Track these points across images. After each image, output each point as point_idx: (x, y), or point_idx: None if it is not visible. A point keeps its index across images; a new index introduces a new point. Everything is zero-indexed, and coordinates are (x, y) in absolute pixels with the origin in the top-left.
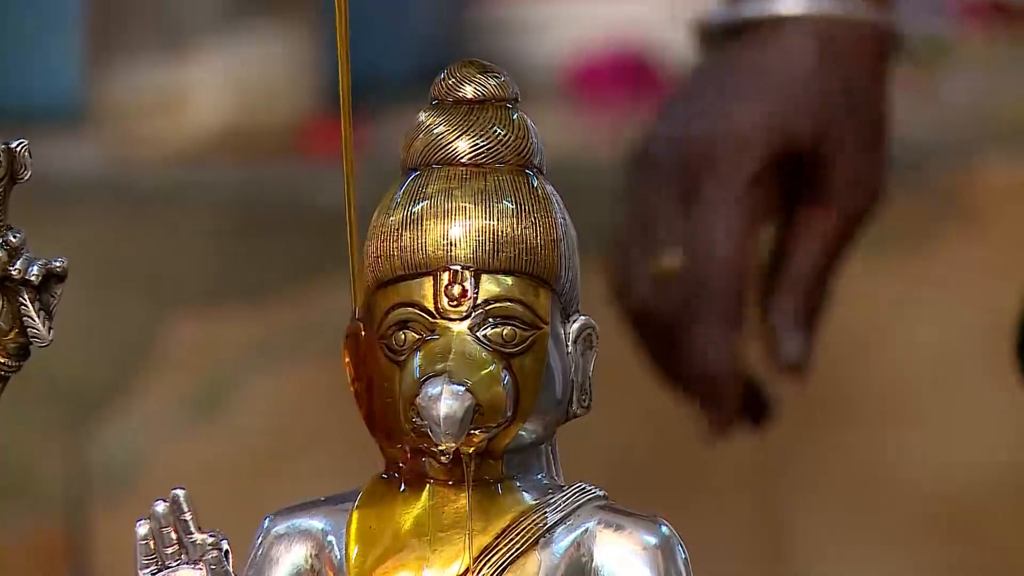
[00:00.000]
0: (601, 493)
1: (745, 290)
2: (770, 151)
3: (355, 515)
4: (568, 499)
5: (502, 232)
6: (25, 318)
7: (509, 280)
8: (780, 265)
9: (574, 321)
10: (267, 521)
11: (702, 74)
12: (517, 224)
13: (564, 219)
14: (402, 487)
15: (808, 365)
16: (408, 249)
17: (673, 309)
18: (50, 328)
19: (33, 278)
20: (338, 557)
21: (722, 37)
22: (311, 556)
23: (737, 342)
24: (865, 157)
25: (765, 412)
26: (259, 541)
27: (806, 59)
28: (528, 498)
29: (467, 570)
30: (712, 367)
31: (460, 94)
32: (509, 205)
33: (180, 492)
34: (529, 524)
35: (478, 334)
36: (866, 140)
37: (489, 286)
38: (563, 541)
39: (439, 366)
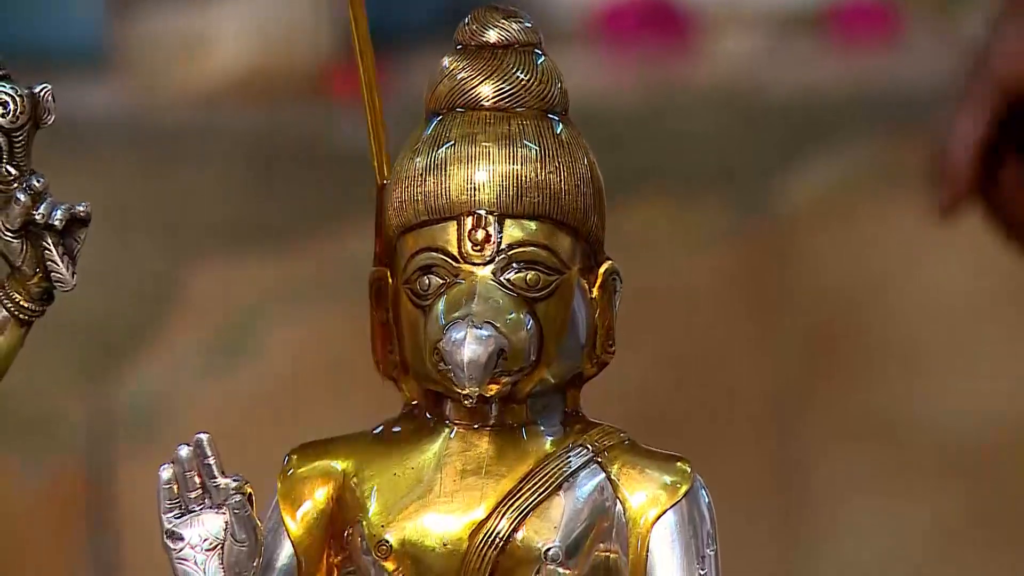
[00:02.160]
0: (624, 435)
1: (1016, 96)
2: None
3: (378, 457)
4: (592, 442)
5: (526, 177)
6: (49, 262)
7: (533, 225)
8: None
9: (598, 265)
10: (287, 460)
11: None
12: (541, 169)
13: (588, 163)
14: (426, 430)
15: None
16: (432, 194)
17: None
18: (73, 272)
19: (57, 222)
20: (359, 499)
21: None
22: (332, 497)
23: (985, 131)
24: None
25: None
26: (281, 478)
27: None
28: (551, 442)
29: (490, 514)
30: (952, 140)
31: (484, 39)
32: (533, 150)
33: (203, 436)
34: (552, 468)
35: (502, 279)
36: None
37: (513, 231)
38: (587, 485)
39: (463, 311)
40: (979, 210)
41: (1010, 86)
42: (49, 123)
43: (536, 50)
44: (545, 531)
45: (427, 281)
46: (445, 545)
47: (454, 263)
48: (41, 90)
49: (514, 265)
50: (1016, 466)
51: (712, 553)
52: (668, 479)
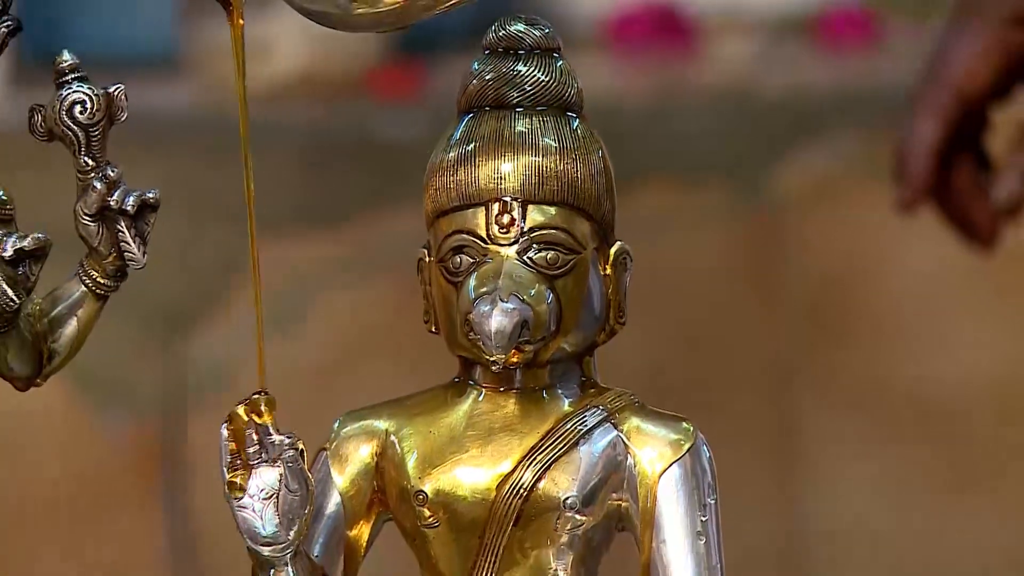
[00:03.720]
0: (635, 397)
1: (968, 104)
2: None
3: (416, 417)
4: (606, 403)
5: (546, 167)
6: (122, 244)
7: (552, 210)
8: None
9: (611, 246)
10: (338, 422)
11: None
12: (560, 160)
13: (601, 155)
14: (457, 393)
15: (1016, 215)
16: (463, 183)
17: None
18: (144, 252)
19: (129, 208)
20: (399, 455)
21: None
22: (376, 454)
23: (941, 135)
24: None
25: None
26: (330, 439)
27: None
28: (569, 403)
29: (515, 467)
30: (910, 143)
31: (509, 45)
32: (552, 143)
33: (260, 397)
34: (571, 426)
35: (525, 258)
36: None
37: (535, 215)
38: (601, 441)
39: (491, 286)
40: (934, 209)
41: (962, 93)
42: (122, 119)
43: (555, 54)
44: (564, 482)
45: (459, 260)
46: (475, 495)
47: (483, 244)
48: (115, 90)
49: (536, 246)
50: (983, 424)
51: (713, 502)
52: (673, 436)
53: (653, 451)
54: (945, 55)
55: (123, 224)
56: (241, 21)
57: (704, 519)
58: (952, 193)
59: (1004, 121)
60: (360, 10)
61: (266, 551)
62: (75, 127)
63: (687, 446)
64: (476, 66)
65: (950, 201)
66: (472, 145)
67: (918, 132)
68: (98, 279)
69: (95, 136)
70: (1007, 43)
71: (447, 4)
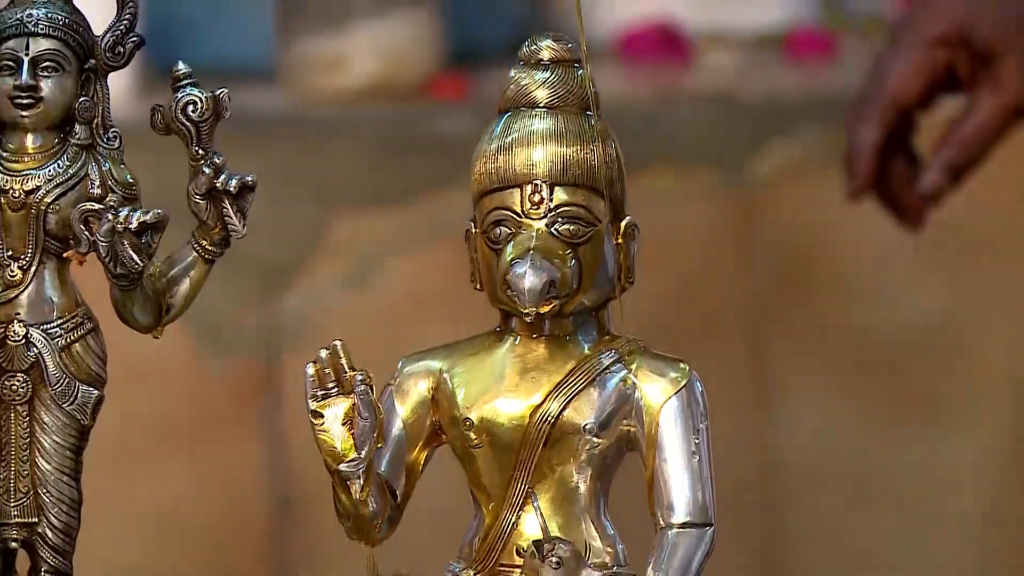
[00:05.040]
0: (641, 342)
1: (900, 111)
2: (956, 29)
3: (464, 359)
4: (618, 348)
5: (569, 156)
6: (226, 218)
7: (574, 191)
8: (954, 126)
9: (622, 220)
10: (401, 363)
11: None
12: (580, 150)
13: (614, 146)
14: (497, 339)
15: (938, 201)
16: (502, 169)
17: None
18: (244, 225)
19: (232, 188)
20: (451, 390)
21: None
22: (432, 389)
23: (879, 137)
24: None
25: (907, 215)
26: (394, 377)
27: None
28: (588, 347)
29: (544, 399)
30: (855, 143)
31: (539, 57)
32: (574, 136)
33: (338, 343)
34: (589, 366)
35: (552, 230)
36: None
37: (560, 195)
38: (614, 378)
39: (524, 252)
40: (875, 196)
41: (896, 103)
42: (227, 117)
43: (576, 64)
44: (584, 411)
45: (499, 231)
46: (512, 421)
47: (518, 218)
48: (220, 93)
49: (561, 220)
50: (920, 364)
51: (704, 427)
52: (672, 374)
53: (656, 386)
54: (882, 71)
55: (227, 202)
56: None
57: (697, 441)
58: (888, 183)
59: (929, 125)
60: None
61: (342, 467)
62: (188, 123)
63: (683, 382)
64: (513, 74)
65: (886, 190)
66: (509, 138)
67: (862, 136)
68: (206, 246)
69: (204, 130)
70: (933, 61)
71: None
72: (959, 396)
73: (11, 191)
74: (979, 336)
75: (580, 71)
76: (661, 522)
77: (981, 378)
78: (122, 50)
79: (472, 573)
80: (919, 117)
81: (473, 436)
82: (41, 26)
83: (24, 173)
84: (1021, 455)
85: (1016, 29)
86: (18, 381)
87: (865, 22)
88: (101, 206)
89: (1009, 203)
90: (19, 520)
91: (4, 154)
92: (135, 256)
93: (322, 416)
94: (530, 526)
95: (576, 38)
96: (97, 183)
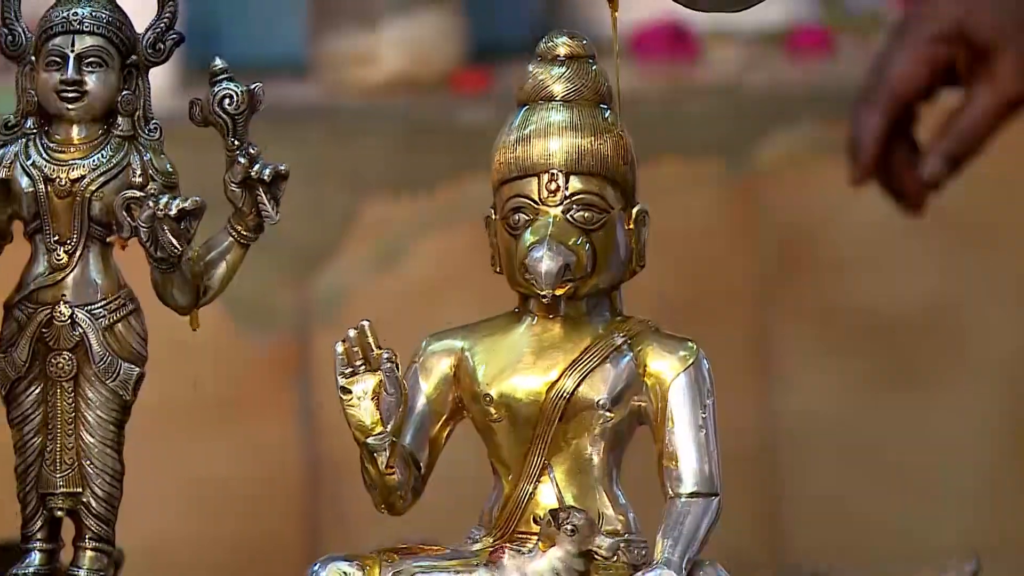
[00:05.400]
0: (652, 323)
1: (903, 102)
2: (957, 26)
3: (485, 338)
4: (629, 328)
5: (584, 146)
6: (260, 205)
7: (589, 179)
8: (953, 116)
9: (633, 207)
10: (425, 342)
11: None
12: (594, 141)
13: (626, 137)
14: (515, 319)
15: (937, 187)
16: (521, 158)
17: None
18: (277, 211)
19: (266, 177)
20: (472, 367)
21: None
22: (454, 366)
23: (883, 127)
24: None
25: (907, 199)
26: (419, 355)
27: None
28: (602, 327)
29: (560, 376)
30: (859, 132)
31: (556, 53)
32: (588, 128)
33: (366, 323)
34: (602, 345)
35: (568, 216)
36: None
37: (575, 183)
38: (626, 356)
39: (542, 237)
40: (877, 182)
41: (898, 94)
42: (261, 110)
43: (590, 60)
44: (598, 388)
45: (517, 218)
46: (529, 397)
47: (535, 205)
48: (255, 87)
49: (576, 207)
50: (913, 338)
51: (711, 403)
52: (681, 353)
53: (665, 364)
54: (886, 64)
55: (261, 190)
56: (616, 14)
57: (704, 416)
58: (890, 170)
59: (929, 115)
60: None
61: (369, 440)
62: (225, 116)
63: (691, 360)
64: (531, 69)
65: (888, 176)
66: (527, 130)
67: (866, 124)
68: (242, 232)
69: (240, 122)
70: (934, 56)
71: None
72: (953, 371)
73: (58, 180)
74: (973, 315)
75: (594, 66)
76: (670, 492)
77: (974, 355)
78: (162, 47)
79: (492, 540)
80: (920, 108)
81: (493, 411)
82: (86, 24)
83: (70, 163)
84: (1010, 426)
85: (1013, 27)
86: (64, 359)
87: (862, 20)
88: (142, 194)
89: (1005, 191)
90: (65, 490)
91: (51, 145)
92: (174, 241)
93: (351, 392)
94: (546, 496)
95: (590, 35)
96: (139, 172)
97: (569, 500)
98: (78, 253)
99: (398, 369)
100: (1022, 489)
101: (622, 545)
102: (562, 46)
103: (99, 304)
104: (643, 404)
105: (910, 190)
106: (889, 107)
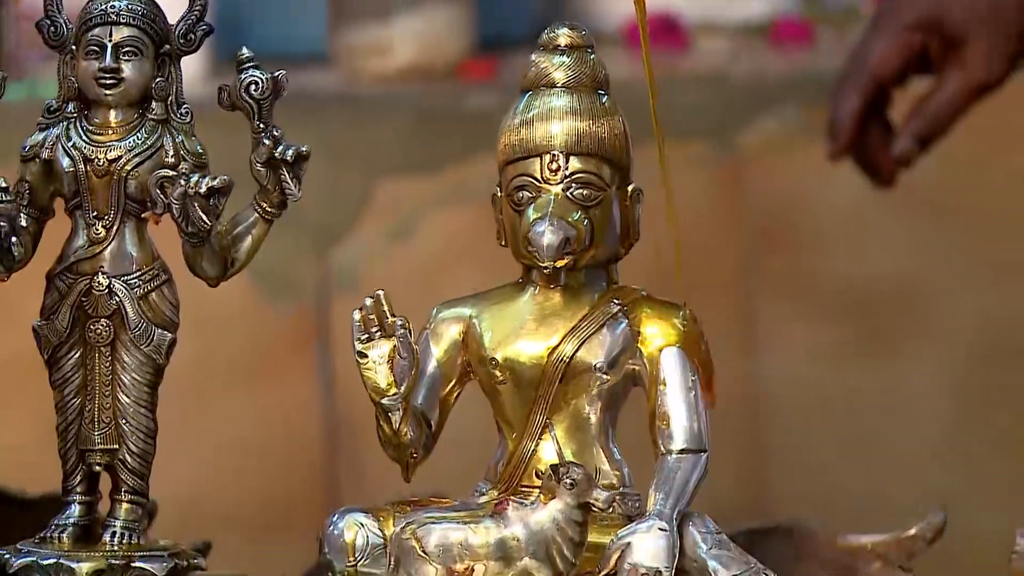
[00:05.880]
0: (644, 292)
1: (879, 84)
2: (930, 15)
3: (491, 306)
4: (624, 296)
5: (583, 129)
6: (283, 183)
7: (587, 160)
8: (925, 98)
9: (628, 185)
10: (435, 310)
11: None
12: (592, 124)
13: (622, 121)
14: (519, 289)
15: (909, 165)
16: (525, 140)
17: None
18: (299, 189)
19: (289, 157)
20: (479, 333)
21: None
22: (462, 332)
23: (859, 107)
24: (993, 46)
25: (879, 174)
26: (430, 322)
27: None
28: (599, 296)
29: (560, 341)
30: (838, 111)
31: (557, 43)
32: (587, 112)
33: (381, 292)
34: (599, 312)
35: (567, 194)
36: (997, 35)
37: (575, 163)
38: (621, 323)
39: (544, 213)
40: (853, 159)
41: (875, 77)
42: (284, 96)
43: (589, 49)
44: (595, 352)
45: (521, 195)
46: (532, 360)
47: (538, 183)
48: (279, 74)
49: (575, 185)
50: (888, 308)
51: (699, 365)
52: (672, 317)
53: (658, 329)
54: (865, 49)
55: (284, 169)
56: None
57: (693, 378)
58: (865, 148)
59: (901, 100)
60: None
61: (384, 401)
62: (251, 100)
63: (683, 324)
64: (534, 58)
65: (863, 153)
66: (531, 114)
67: (844, 104)
68: (266, 208)
69: (265, 107)
70: (909, 42)
71: None
72: (920, 339)
73: (96, 160)
74: (939, 288)
75: (592, 55)
76: (662, 449)
77: (940, 324)
78: (193, 37)
79: (497, 493)
80: (894, 92)
81: (498, 374)
82: (123, 16)
83: (107, 144)
84: (971, 390)
85: (984, 16)
86: (102, 325)
87: (839, 14)
88: (174, 173)
89: (973, 172)
90: (102, 447)
91: (90, 128)
92: (204, 216)
93: (367, 356)
94: (547, 452)
95: (590, 27)
96: (171, 153)
97: (568, 456)
98: (115, 228)
99: (410, 335)
100: (982, 445)
101: (617, 497)
102: (563, 37)
103: (134, 275)
104: (637, 367)
105: (883, 167)
106: (866, 89)
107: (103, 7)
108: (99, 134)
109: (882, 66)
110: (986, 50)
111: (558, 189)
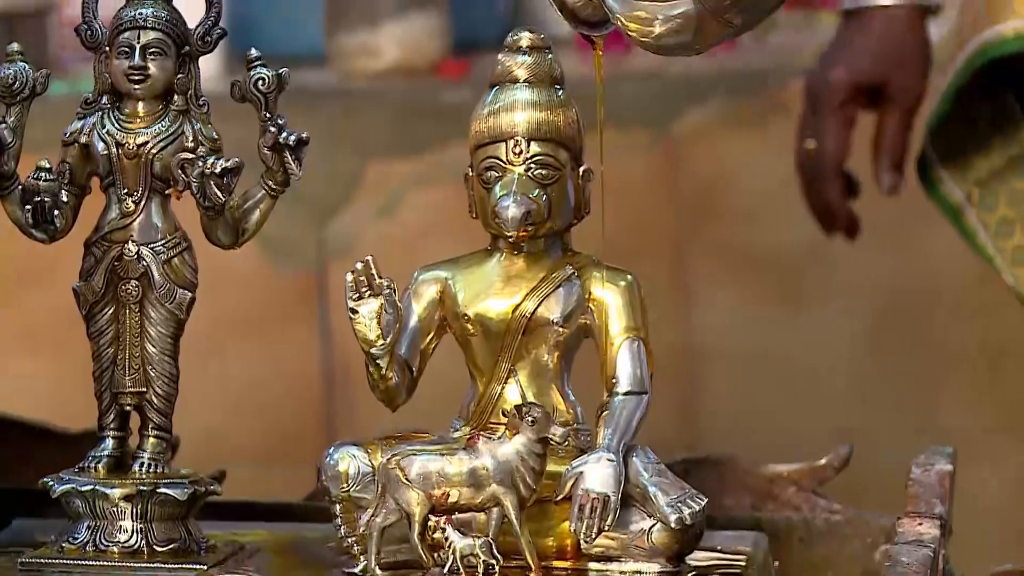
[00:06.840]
0: (595, 257)
1: (845, 160)
2: (855, 83)
3: (464, 269)
4: (578, 261)
5: (542, 118)
6: (287, 164)
7: (546, 144)
8: (877, 137)
9: (580, 167)
10: (416, 272)
11: (837, 37)
12: (550, 114)
13: (575, 111)
14: (488, 255)
15: (899, 190)
16: (492, 127)
17: (810, 172)
18: (300, 170)
19: (291, 142)
20: (454, 292)
21: (847, 15)
22: (440, 292)
23: (840, 191)
24: (914, 81)
25: (854, 231)
26: (412, 283)
27: (884, 32)
28: (555, 261)
29: (523, 299)
30: (828, 203)
31: (520, 44)
32: (545, 104)
33: (370, 257)
34: (557, 275)
35: (529, 173)
36: (914, 74)
37: (535, 147)
38: (575, 284)
39: (508, 190)
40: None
41: (839, 162)
42: (287, 90)
43: (547, 50)
44: (552, 308)
45: (489, 175)
46: (499, 316)
47: (504, 164)
48: (283, 71)
49: (535, 166)
50: (803, 267)
51: (642, 321)
52: (619, 282)
53: (606, 290)
54: (820, 144)
55: (287, 153)
56: (600, 52)
57: (636, 331)
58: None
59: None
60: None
61: (373, 350)
62: (259, 94)
63: (625, 285)
64: (500, 58)
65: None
66: (497, 105)
67: (827, 198)
68: (272, 186)
69: (271, 100)
70: (846, 116)
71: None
72: (828, 294)
73: (127, 144)
74: (844, 251)
75: (550, 55)
76: (609, 391)
77: (844, 281)
78: (209, 39)
79: (469, 429)
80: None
81: (470, 327)
82: (149, 21)
83: (136, 131)
84: (876, 337)
85: (892, 61)
86: (131, 285)
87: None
88: (194, 155)
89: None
90: (132, 389)
91: (121, 117)
92: (219, 193)
93: (358, 312)
94: (512, 394)
95: (547, 31)
96: (191, 138)
97: (530, 397)
98: (143, 202)
99: (395, 294)
100: (884, 388)
101: (571, 433)
102: (525, 39)
103: (159, 242)
104: (588, 322)
105: (847, 218)
106: (835, 175)
107: (132, 14)
108: (129, 122)
109: (840, 149)
110: (904, 79)
111: (521, 169)
